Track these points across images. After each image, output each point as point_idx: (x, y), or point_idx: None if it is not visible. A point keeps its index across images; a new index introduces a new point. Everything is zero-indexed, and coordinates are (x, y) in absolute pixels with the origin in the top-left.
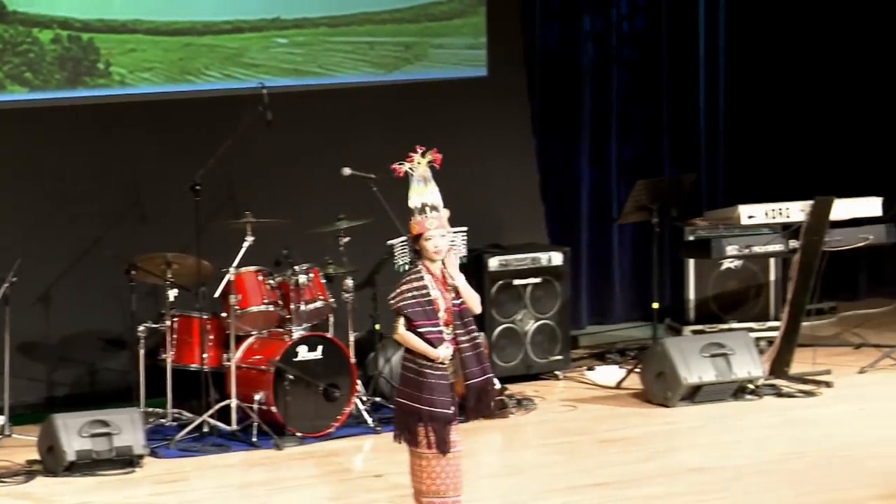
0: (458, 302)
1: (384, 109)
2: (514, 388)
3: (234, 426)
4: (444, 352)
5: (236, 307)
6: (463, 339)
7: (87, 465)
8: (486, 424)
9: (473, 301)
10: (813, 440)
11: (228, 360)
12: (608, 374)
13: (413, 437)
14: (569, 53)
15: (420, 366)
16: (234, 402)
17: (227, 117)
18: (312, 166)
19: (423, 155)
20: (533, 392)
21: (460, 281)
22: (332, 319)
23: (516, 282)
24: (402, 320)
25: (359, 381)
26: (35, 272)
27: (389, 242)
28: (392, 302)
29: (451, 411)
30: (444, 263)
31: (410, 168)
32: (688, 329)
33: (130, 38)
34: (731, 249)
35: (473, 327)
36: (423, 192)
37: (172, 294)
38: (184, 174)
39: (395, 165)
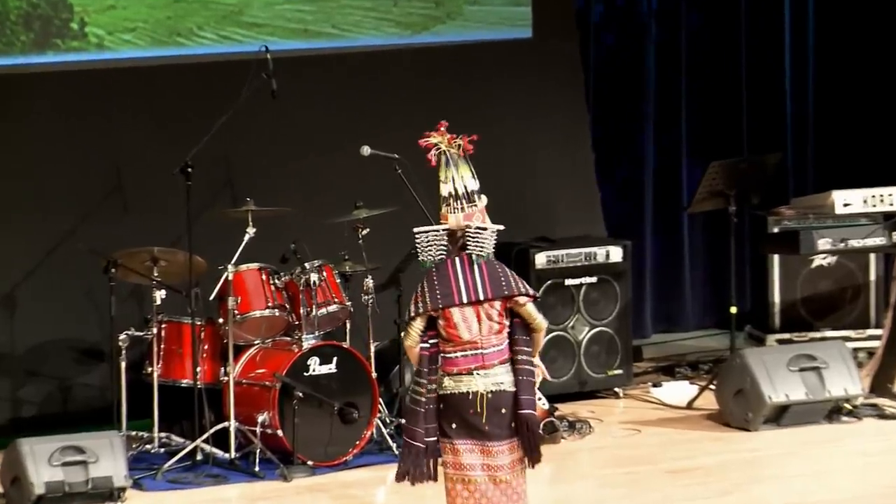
0: None
1: (411, 78)
2: (565, 409)
3: (233, 453)
4: None
5: (235, 312)
6: None
7: (59, 499)
8: None
9: None
10: None
11: (226, 374)
12: (678, 391)
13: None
14: (630, 13)
15: None
16: (232, 425)
17: (225, 87)
18: (325, 145)
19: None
20: (588, 413)
21: None
22: (349, 326)
23: (568, 281)
24: None
25: (381, 400)
26: None
27: (416, 230)
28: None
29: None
30: None
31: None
32: (772, 338)
33: None
34: (823, 243)
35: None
36: (462, 176)
37: (160, 296)
38: (173, 155)
39: (425, 142)
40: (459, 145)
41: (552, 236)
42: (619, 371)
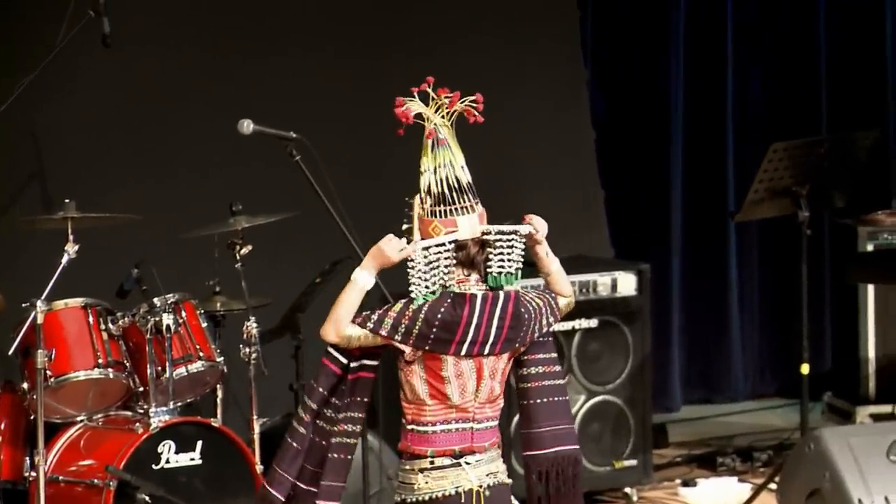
0: None
1: (324, 22)
2: None
3: None
4: None
5: (48, 372)
6: None
7: None
8: None
9: None
10: None
11: (34, 467)
12: (720, 492)
13: None
14: None
15: None
16: None
17: (33, 27)
18: (187, 118)
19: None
20: None
21: None
22: (220, 394)
23: (556, 325)
24: None
25: None
26: None
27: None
28: None
29: None
30: None
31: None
32: (864, 412)
33: None
34: None
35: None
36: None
37: None
38: None
39: (403, 109)
40: (452, 115)
41: (529, 257)
42: (632, 462)
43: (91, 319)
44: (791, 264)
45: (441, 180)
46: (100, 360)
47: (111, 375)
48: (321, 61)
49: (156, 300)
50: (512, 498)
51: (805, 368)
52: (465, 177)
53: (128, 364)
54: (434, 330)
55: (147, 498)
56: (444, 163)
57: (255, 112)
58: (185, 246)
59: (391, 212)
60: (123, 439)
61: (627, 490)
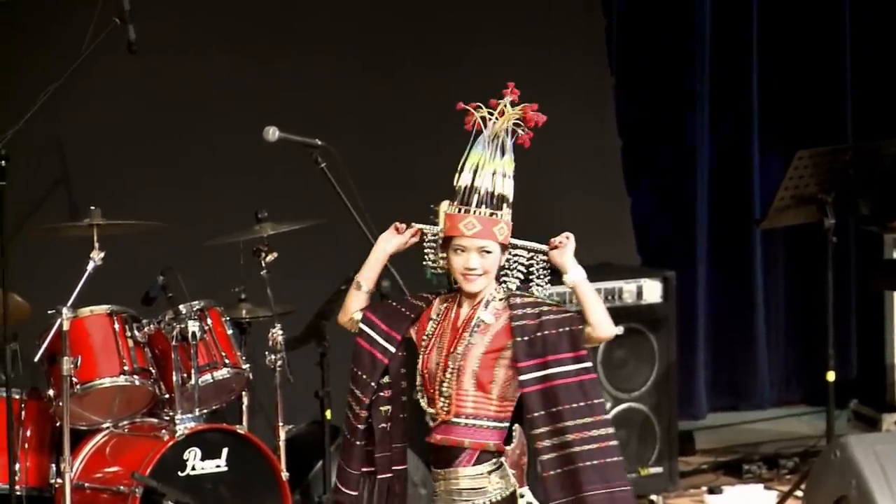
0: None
1: (357, 16)
2: None
3: None
4: None
5: (74, 379)
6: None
7: None
8: None
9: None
10: None
11: (60, 474)
12: (747, 499)
13: None
14: None
15: None
16: None
17: (58, 34)
18: (213, 126)
19: (511, 104)
20: None
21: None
22: (246, 401)
23: None
24: None
25: None
26: None
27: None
28: None
29: None
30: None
31: (488, 117)
32: (890, 419)
33: None
34: None
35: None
36: (484, 166)
37: None
38: None
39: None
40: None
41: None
42: (658, 469)
43: (117, 326)
44: (817, 271)
45: (463, 178)
46: (125, 367)
47: (137, 382)
48: (346, 68)
49: (181, 307)
50: None
51: (831, 376)
52: (487, 184)
53: (153, 371)
54: None
55: None
56: (476, 162)
57: (280, 119)
58: (211, 253)
59: (416, 218)
60: (149, 446)
61: (653, 497)
